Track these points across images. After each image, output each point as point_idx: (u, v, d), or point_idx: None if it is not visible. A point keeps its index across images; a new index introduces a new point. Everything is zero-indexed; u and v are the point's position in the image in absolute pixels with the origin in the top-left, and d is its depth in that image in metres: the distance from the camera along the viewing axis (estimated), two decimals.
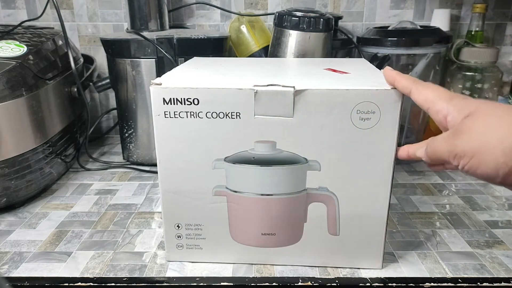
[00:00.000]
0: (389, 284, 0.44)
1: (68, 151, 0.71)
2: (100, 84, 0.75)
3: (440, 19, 0.80)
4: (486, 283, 0.43)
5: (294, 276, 0.45)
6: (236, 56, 0.82)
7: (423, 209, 0.59)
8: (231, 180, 0.43)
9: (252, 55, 0.78)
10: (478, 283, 0.44)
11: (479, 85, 0.71)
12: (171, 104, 0.40)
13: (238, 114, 0.40)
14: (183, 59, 0.68)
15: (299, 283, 0.44)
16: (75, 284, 0.44)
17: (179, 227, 0.46)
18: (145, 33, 0.68)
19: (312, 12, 0.66)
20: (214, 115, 0.41)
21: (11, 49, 0.61)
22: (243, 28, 0.79)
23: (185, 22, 0.87)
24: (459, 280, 0.44)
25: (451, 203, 0.61)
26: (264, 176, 0.43)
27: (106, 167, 0.75)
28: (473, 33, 0.79)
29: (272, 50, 0.70)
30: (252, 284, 0.44)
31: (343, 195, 0.43)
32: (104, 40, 0.70)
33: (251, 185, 0.43)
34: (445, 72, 0.76)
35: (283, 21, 0.66)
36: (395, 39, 0.69)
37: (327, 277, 0.45)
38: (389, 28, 0.74)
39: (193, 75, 0.45)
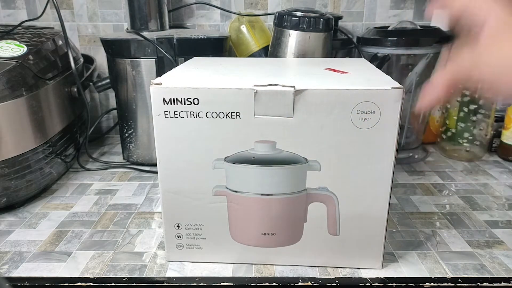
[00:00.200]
0: (389, 284, 0.44)
1: (68, 151, 0.71)
2: (100, 84, 0.75)
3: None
4: (486, 283, 0.43)
5: (294, 276, 0.45)
6: (236, 56, 0.82)
7: (423, 209, 0.59)
8: (231, 180, 0.43)
9: (252, 55, 0.78)
10: (478, 283, 0.44)
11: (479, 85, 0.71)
12: (171, 104, 0.40)
13: (238, 114, 0.40)
14: (183, 59, 0.68)
15: (299, 283, 0.44)
16: (75, 284, 0.44)
17: (179, 227, 0.46)
18: (145, 33, 0.68)
19: (312, 12, 0.66)
20: (214, 115, 0.41)
21: (11, 49, 0.61)
22: (243, 28, 0.79)
23: (185, 22, 0.87)
24: (459, 280, 0.44)
25: (451, 203, 0.61)
26: (264, 176, 0.43)
27: (106, 167, 0.75)
28: None
29: (272, 50, 0.70)
30: (252, 284, 0.44)
31: (343, 195, 0.43)
32: (104, 40, 0.70)
33: (251, 185, 0.43)
34: None
35: (283, 21, 0.66)
36: (395, 39, 0.69)
37: (327, 277, 0.45)
38: (389, 28, 0.74)
39: (193, 75, 0.45)
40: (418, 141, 0.79)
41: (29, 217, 0.57)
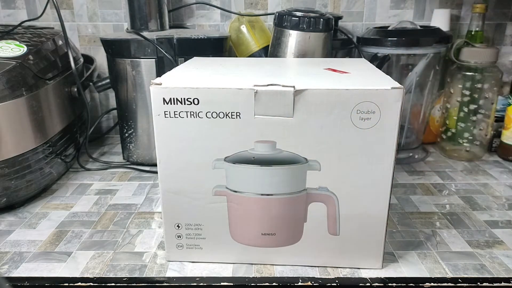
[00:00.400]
0: (389, 284, 0.44)
1: (68, 151, 0.71)
2: (100, 84, 0.75)
3: (440, 19, 0.80)
4: (486, 283, 0.43)
5: (294, 276, 0.45)
6: (236, 56, 0.82)
7: (423, 209, 0.59)
8: (231, 180, 0.43)
9: (252, 55, 0.78)
10: (478, 283, 0.44)
11: (479, 85, 0.71)
12: (171, 104, 0.41)
13: (238, 114, 0.40)
14: (183, 59, 0.68)
15: (299, 283, 0.44)
16: (75, 284, 0.44)
17: (179, 227, 0.46)
18: (145, 33, 0.69)
19: (312, 12, 0.66)
20: (214, 115, 0.41)
21: (11, 49, 0.61)
22: (243, 28, 0.79)
23: (185, 22, 0.87)
24: (459, 280, 0.44)
25: (451, 203, 0.61)
26: (264, 176, 0.43)
27: (106, 167, 0.75)
28: (473, 33, 0.79)
29: (272, 50, 0.70)
30: (252, 284, 0.44)
31: (343, 195, 0.43)
32: (104, 40, 0.70)
33: (251, 185, 0.43)
34: (445, 72, 0.76)
35: (283, 21, 0.66)
36: (395, 39, 0.69)
37: (327, 277, 0.45)
38: (389, 28, 0.74)
39: (193, 75, 0.45)
40: (418, 141, 0.79)
41: (29, 217, 0.57)
